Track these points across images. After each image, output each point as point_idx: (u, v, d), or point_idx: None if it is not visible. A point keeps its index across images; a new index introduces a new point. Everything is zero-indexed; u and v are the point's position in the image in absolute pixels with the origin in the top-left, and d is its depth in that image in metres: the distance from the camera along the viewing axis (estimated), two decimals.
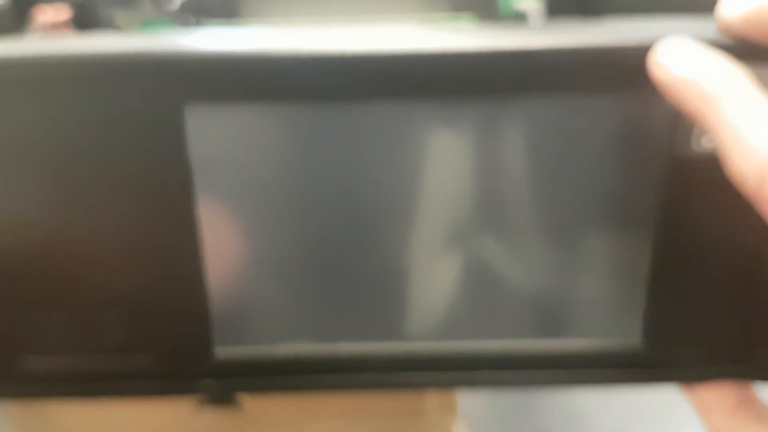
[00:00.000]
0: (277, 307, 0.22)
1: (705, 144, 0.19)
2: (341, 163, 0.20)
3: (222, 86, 0.19)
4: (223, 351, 0.21)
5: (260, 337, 0.22)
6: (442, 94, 0.19)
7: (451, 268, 0.21)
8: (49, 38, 0.24)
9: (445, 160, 0.20)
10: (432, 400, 0.36)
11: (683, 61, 0.17)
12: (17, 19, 0.32)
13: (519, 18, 0.33)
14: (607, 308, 0.21)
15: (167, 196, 0.20)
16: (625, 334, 0.21)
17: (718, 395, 0.21)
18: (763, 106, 0.16)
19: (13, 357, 0.21)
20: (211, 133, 0.19)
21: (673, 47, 0.17)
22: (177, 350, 0.22)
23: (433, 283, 0.21)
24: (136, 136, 0.19)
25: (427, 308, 0.21)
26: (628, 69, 0.18)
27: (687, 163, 0.19)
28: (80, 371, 0.22)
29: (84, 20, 0.32)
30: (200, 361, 0.21)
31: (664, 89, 0.17)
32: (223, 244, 0.20)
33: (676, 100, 0.17)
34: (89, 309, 0.21)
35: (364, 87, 0.19)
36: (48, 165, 0.19)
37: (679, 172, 0.19)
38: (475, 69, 0.18)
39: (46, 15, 0.31)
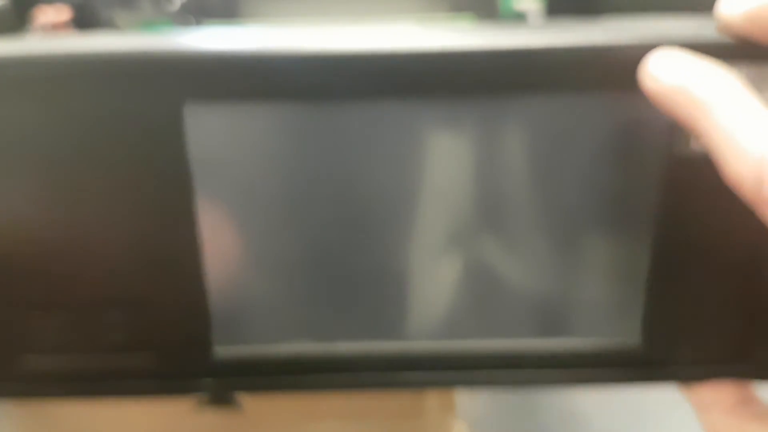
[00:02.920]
0: (276, 306, 0.22)
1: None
2: (341, 163, 0.20)
3: (221, 86, 0.19)
4: (223, 350, 0.21)
5: (260, 336, 0.22)
6: (442, 94, 0.19)
7: (451, 268, 0.21)
8: (49, 38, 0.24)
9: (444, 159, 0.20)
10: (432, 400, 0.36)
11: (672, 70, 0.17)
12: (17, 19, 0.32)
13: (518, 18, 0.33)
14: (606, 308, 0.21)
15: (167, 196, 0.20)
16: (624, 334, 0.21)
17: (717, 394, 0.21)
18: (755, 108, 0.16)
19: (13, 357, 0.21)
20: (210, 132, 0.19)
21: (662, 58, 0.17)
22: (177, 350, 0.22)
23: (433, 282, 0.21)
24: (135, 136, 0.19)
25: (427, 308, 0.21)
26: (627, 68, 0.18)
27: (686, 162, 0.19)
28: (80, 371, 0.22)
29: (84, 20, 0.32)
30: (200, 361, 0.21)
31: (655, 99, 0.17)
32: (222, 244, 0.20)
33: (668, 108, 0.17)
34: (89, 309, 0.21)
35: (363, 86, 0.19)
36: (48, 165, 0.19)
37: (678, 172, 0.19)
38: (475, 68, 0.18)
39: (46, 15, 0.31)
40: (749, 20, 0.17)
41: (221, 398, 0.33)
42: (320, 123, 0.19)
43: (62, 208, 0.20)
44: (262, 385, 0.22)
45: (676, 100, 0.17)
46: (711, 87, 0.16)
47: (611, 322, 0.21)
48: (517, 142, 0.19)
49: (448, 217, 0.20)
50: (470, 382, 0.22)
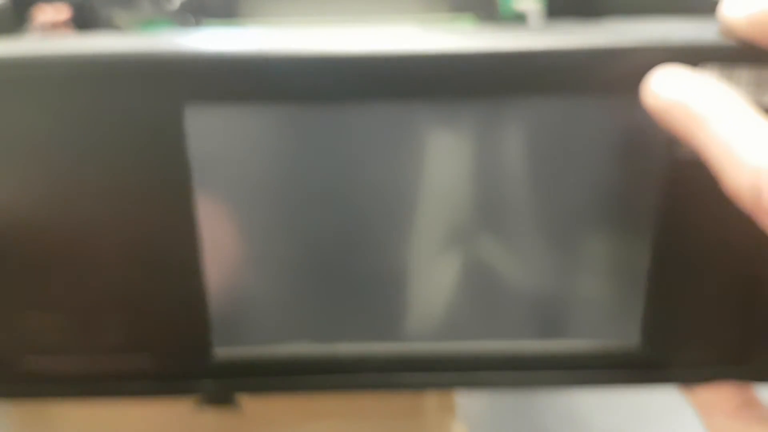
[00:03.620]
0: (276, 307, 0.22)
1: None
2: (341, 164, 0.20)
3: (222, 86, 0.19)
4: (222, 351, 0.21)
5: (259, 337, 0.22)
6: (441, 95, 0.19)
7: (451, 269, 0.21)
8: (49, 38, 0.24)
9: (444, 160, 0.20)
10: (431, 400, 0.36)
11: (670, 86, 0.17)
12: (17, 19, 0.32)
13: (519, 19, 0.33)
14: (606, 309, 0.21)
15: (167, 197, 0.20)
16: (624, 335, 0.21)
17: (719, 397, 0.21)
18: (751, 119, 0.16)
19: (13, 357, 0.21)
20: (210, 133, 0.19)
21: (662, 75, 0.18)
22: (176, 350, 0.22)
23: (433, 283, 0.21)
24: (135, 137, 0.19)
25: (427, 309, 0.21)
26: (627, 70, 0.18)
27: (686, 164, 0.19)
28: (80, 371, 0.22)
29: (83, 20, 0.32)
30: (199, 362, 0.21)
31: (655, 115, 0.17)
32: (222, 244, 0.20)
33: (667, 123, 0.17)
34: (89, 309, 0.21)
35: (363, 88, 0.19)
36: (48, 165, 0.19)
37: (678, 173, 0.19)
38: (475, 70, 0.18)
39: (45, 14, 0.31)
40: (752, 24, 0.17)
41: (221, 399, 0.33)
42: (320, 124, 0.19)
43: (62, 209, 0.20)
44: (262, 386, 0.22)
45: (674, 115, 0.17)
46: (707, 100, 0.16)
47: (611, 324, 0.21)
48: (517, 143, 0.19)
49: (449, 218, 0.20)
50: (470, 384, 0.22)
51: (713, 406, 0.21)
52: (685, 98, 0.17)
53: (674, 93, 0.17)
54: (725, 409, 0.21)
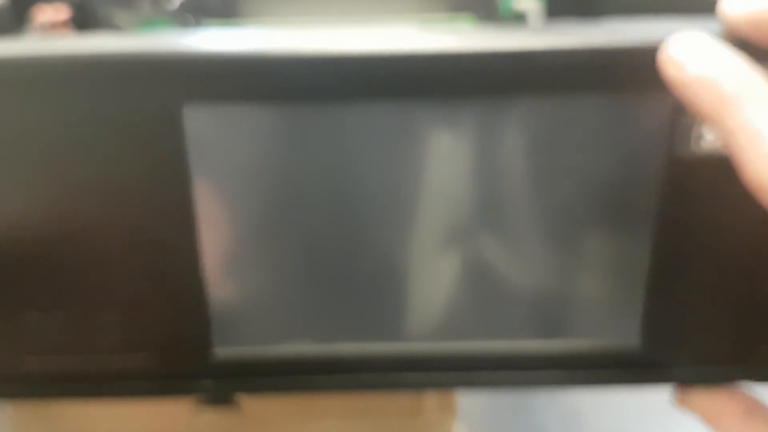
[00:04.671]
0: (276, 307, 0.22)
1: (704, 144, 0.19)
2: (340, 164, 0.20)
3: (221, 86, 0.19)
4: (222, 351, 0.21)
5: (259, 337, 0.22)
6: (441, 95, 0.19)
7: (450, 269, 0.21)
8: (49, 38, 0.24)
9: (444, 160, 0.20)
10: (431, 400, 0.36)
11: (699, 58, 0.16)
12: (16, 19, 0.31)
13: (518, 18, 0.33)
14: (606, 308, 0.21)
15: (166, 197, 0.20)
16: (623, 335, 0.21)
17: (726, 402, 0.21)
18: None
19: (13, 357, 0.21)
20: (209, 133, 0.19)
21: (687, 42, 0.16)
22: (176, 350, 0.22)
23: (432, 283, 0.21)
24: (134, 137, 0.19)
25: (426, 308, 0.21)
26: (627, 69, 0.18)
27: (686, 163, 0.19)
28: (80, 371, 0.22)
29: (83, 20, 0.32)
30: (199, 362, 0.21)
31: (676, 88, 0.16)
32: (221, 244, 0.20)
33: (690, 99, 0.16)
34: (89, 309, 0.21)
35: (362, 87, 0.19)
36: (47, 165, 0.19)
37: (678, 173, 0.19)
38: (475, 70, 0.18)
39: (45, 14, 0.31)
40: (752, 22, 0.17)
41: (220, 399, 0.33)
42: (319, 124, 0.19)
43: (61, 209, 0.20)
44: (262, 386, 0.22)
45: (701, 93, 0.16)
46: (740, 83, 0.15)
47: (611, 324, 0.21)
48: (516, 143, 0.19)
49: (449, 218, 0.20)
50: (470, 384, 0.22)
51: (722, 412, 0.21)
52: (716, 76, 0.15)
53: (703, 68, 0.16)
54: (733, 413, 0.21)
